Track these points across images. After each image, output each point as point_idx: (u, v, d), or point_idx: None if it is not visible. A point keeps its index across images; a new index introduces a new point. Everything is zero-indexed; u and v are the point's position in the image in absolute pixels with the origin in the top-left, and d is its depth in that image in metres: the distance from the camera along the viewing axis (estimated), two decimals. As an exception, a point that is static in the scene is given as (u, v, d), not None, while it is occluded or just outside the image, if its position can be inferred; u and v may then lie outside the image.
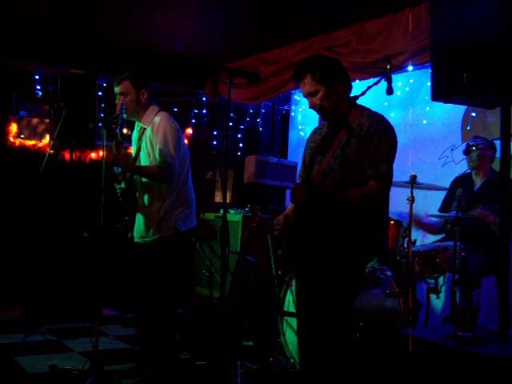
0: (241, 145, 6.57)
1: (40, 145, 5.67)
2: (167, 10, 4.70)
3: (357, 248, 2.60)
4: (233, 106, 5.95)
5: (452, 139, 4.77)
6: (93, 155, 5.85)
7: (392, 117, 5.04)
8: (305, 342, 2.74)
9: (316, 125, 2.97)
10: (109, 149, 3.29)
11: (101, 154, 5.21)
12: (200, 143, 6.58)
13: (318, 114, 2.73)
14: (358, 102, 2.76)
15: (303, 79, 2.67)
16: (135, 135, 3.62)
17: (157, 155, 3.39)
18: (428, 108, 4.96)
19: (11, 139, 5.53)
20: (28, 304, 5.07)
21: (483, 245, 3.85)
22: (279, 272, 3.62)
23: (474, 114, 4.51)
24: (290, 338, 3.83)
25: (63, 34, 5.28)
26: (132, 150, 3.64)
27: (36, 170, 4.02)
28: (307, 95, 2.69)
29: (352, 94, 2.76)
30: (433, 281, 3.85)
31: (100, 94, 5.51)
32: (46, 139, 5.65)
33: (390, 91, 2.97)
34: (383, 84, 2.93)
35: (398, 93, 5.04)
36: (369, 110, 2.72)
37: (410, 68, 4.32)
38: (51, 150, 4.27)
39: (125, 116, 3.38)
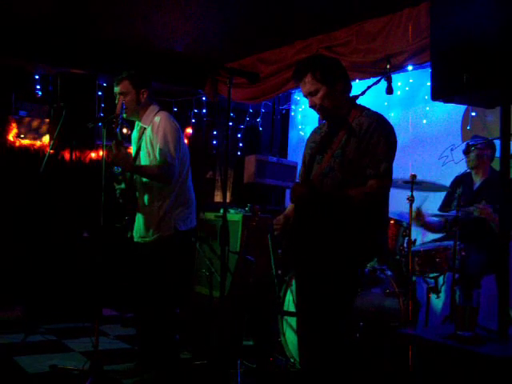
0: (241, 144, 6.57)
1: (40, 145, 5.66)
2: (167, 10, 4.70)
3: (357, 248, 2.60)
4: (233, 105, 5.95)
5: (452, 139, 4.77)
6: (93, 155, 5.85)
7: (392, 116, 5.04)
8: (305, 341, 2.74)
9: (316, 125, 2.97)
10: (109, 148, 3.29)
11: (101, 153, 5.22)
12: (200, 143, 6.57)
13: (318, 113, 2.73)
14: (358, 101, 2.77)
15: (303, 78, 2.67)
16: (135, 135, 3.62)
17: (157, 155, 3.39)
18: (428, 108, 4.96)
19: (11, 139, 5.53)
20: (28, 304, 5.08)
21: (483, 244, 3.85)
22: (279, 272, 3.61)
23: (473, 114, 4.51)
24: (290, 338, 3.83)
25: (63, 34, 5.28)
26: (132, 150, 3.65)
27: (36, 169, 4.01)
28: (307, 94, 2.69)
29: (352, 94, 2.77)
30: (433, 280, 3.85)
31: (100, 93, 5.52)
32: (46, 139, 5.64)
33: (389, 91, 2.98)
34: (383, 84, 2.94)
35: (398, 92, 5.03)
36: (368, 109, 2.73)
37: (410, 68, 4.32)
38: (51, 149, 4.27)
39: (125, 116, 3.39)
